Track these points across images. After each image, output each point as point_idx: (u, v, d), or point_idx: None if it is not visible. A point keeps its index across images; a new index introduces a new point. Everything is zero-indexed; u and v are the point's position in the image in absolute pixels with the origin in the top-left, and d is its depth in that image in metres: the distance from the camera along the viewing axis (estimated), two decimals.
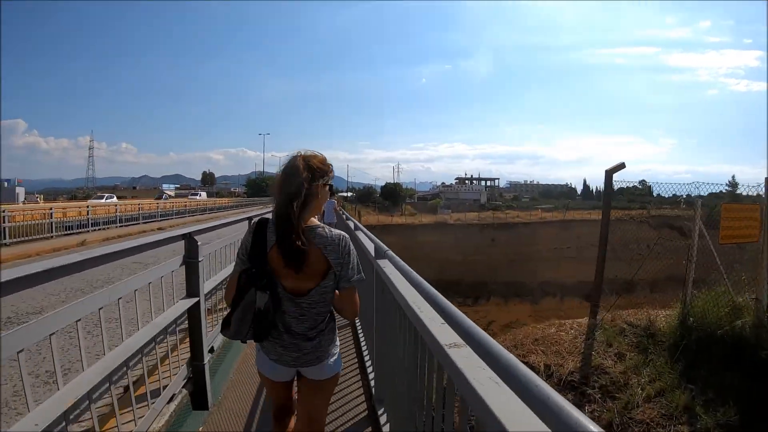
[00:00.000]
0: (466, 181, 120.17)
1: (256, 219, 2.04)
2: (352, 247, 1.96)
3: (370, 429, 3.16)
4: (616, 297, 7.40)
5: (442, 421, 1.52)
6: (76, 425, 2.43)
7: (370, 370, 3.88)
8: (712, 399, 5.68)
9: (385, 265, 2.64)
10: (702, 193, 7.71)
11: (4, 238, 13.99)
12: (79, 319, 1.95)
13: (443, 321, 1.51)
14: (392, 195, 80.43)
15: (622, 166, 7.51)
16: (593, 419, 0.95)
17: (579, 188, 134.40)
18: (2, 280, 1.58)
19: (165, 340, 3.09)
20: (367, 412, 3.39)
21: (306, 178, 1.86)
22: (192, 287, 3.36)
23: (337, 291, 1.99)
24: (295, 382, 2.18)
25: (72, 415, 1.90)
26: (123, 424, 2.41)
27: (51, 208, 17.17)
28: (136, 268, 3.27)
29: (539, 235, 44.56)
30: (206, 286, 3.82)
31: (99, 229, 19.51)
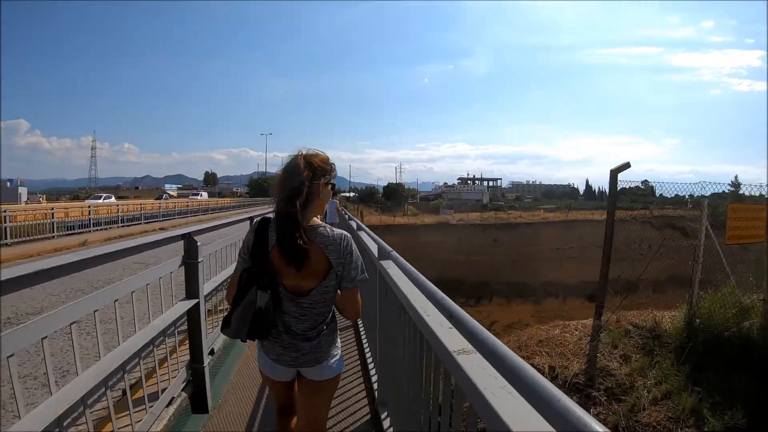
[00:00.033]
0: (469, 182, 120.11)
1: (258, 218, 2.00)
2: (354, 247, 1.93)
3: None
4: (622, 298, 7.32)
5: (449, 426, 1.46)
6: (72, 429, 2.37)
7: (372, 372, 3.82)
8: (720, 402, 5.59)
9: (389, 266, 2.58)
10: (705, 194, 7.66)
11: (6, 238, 13.98)
12: (74, 322, 1.89)
13: (451, 325, 1.45)
14: (394, 195, 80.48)
15: (627, 165, 7.43)
16: (598, 422, 0.88)
17: (581, 188, 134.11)
18: (2, 279, 1.55)
19: (164, 343, 3.02)
20: (369, 415, 3.34)
21: (307, 176, 1.84)
22: (191, 288, 3.30)
23: (339, 291, 1.96)
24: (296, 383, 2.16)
25: (66, 420, 1.83)
26: (120, 428, 2.36)
27: (53, 208, 17.16)
28: (138, 269, 3.22)
29: (542, 235, 44.57)
30: (206, 287, 3.76)
31: (101, 230, 19.51)
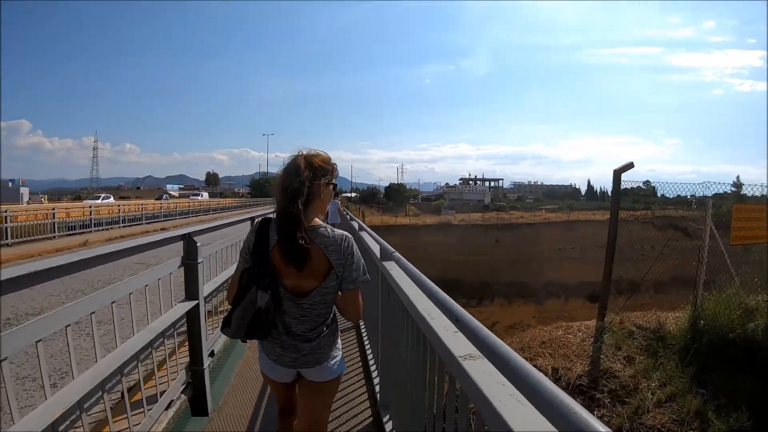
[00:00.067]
0: (470, 182, 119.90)
1: (259, 218, 1.98)
2: (355, 248, 1.92)
3: None
4: (626, 299, 7.28)
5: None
6: None
7: (375, 374, 3.77)
8: (725, 404, 5.56)
9: (392, 268, 2.53)
10: (707, 194, 7.65)
11: (6, 239, 13.97)
12: (70, 325, 1.85)
13: (456, 329, 1.41)
14: (396, 195, 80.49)
15: (630, 165, 7.39)
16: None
17: (583, 189, 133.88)
18: (2, 279, 1.53)
19: (163, 345, 2.98)
20: (372, 418, 3.29)
21: (307, 177, 1.82)
22: (191, 290, 3.26)
23: (340, 292, 1.95)
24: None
25: (62, 425, 1.79)
26: None
27: (54, 209, 17.15)
28: (139, 269, 3.18)
29: (543, 235, 44.57)
30: (206, 288, 3.72)
31: (102, 230, 19.50)
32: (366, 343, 4.56)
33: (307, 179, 1.82)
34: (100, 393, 2.08)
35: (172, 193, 75.27)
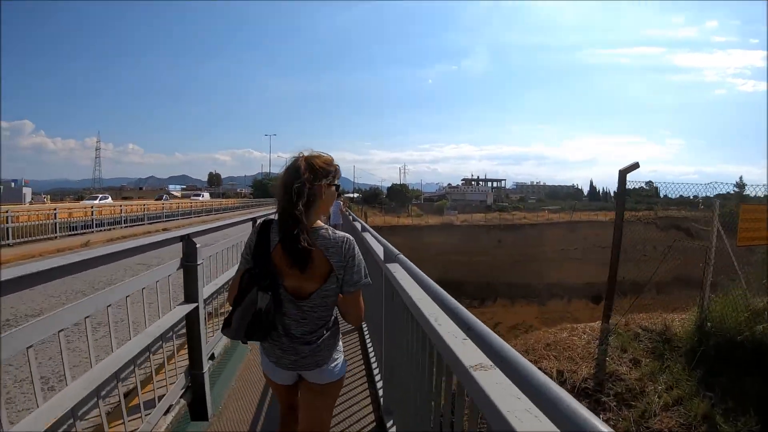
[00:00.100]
0: (473, 182, 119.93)
1: (261, 219, 1.96)
2: (357, 250, 1.91)
3: None
4: (633, 300, 7.21)
5: None
6: None
7: (378, 378, 3.70)
8: (733, 407, 5.49)
9: (396, 270, 2.47)
10: (709, 194, 7.60)
11: (8, 239, 13.94)
12: (62, 330, 1.78)
13: (465, 336, 1.34)
14: (398, 196, 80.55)
15: (636, 165, 7.32)
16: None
17: (586, 189, 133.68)
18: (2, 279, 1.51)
19: (161, 348, 2.92)
20: (375, 423, 3.23)
21: (308, 178, 1.82)
22: (190, 292, 3.19)
23: (341, 295, 1.94)
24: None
25: None
26: None
27: (55, 209, 17.13)
28: (140, 269, 3.12)
29: (546, 236, 44.49)
30: (206, 290, 3.65)
31: (104, 230, 19.47)
32: (369, 345, 4.49)
33: (307, 180, 1.81)
34: (95, 399, 2.02)
35: (175, 193, 75.38)
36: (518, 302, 38.90)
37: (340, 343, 2.07)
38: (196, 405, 3.25)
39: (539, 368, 1.40)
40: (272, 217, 1.97)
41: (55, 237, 16.03)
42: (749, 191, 8.29)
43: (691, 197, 8.17)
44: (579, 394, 5.79)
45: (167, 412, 2.86)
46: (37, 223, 15.81)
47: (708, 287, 6.74)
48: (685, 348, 6.38)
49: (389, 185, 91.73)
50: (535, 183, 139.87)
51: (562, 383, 5.94)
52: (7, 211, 14.23)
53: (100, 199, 35.10)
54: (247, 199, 67.49)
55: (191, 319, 3.21)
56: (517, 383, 1.03)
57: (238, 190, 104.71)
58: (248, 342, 1.96)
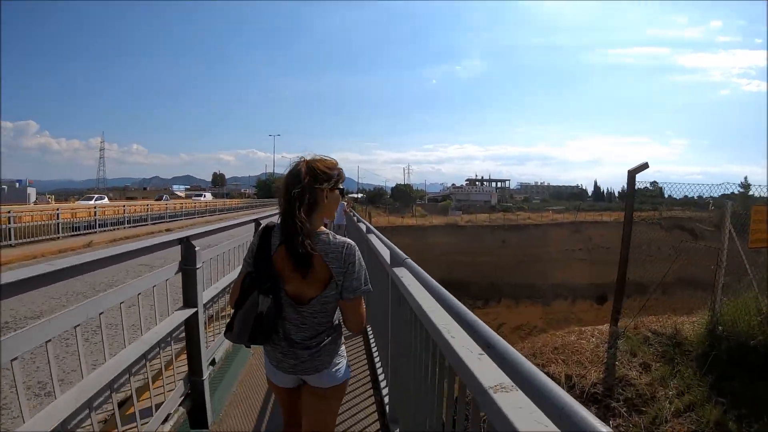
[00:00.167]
0: (477, 183, 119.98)
1: (263, 221, 1.90)
2: (358, 255, 1.89)
3: None
4: (641, 303, 7.08)
5: None
6: None
7: (383, 384, 3.60)
8: (746, 414, 5.34)
9: (403, 275, 2.37)
10: (714, 195, 7.50)
11: (10, 239, 13.92)
12: (49, 340, 1.69)
13: (482, 351, 1.23)
14: (402, 196, 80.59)
15: (645, 166, 7.22)
16: None
17: (590, 189, 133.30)
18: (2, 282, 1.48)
19: (159, 355, 2.82)
20: (380, 431, 3.13)
21: (308, 182, 1.81)
22: (189, 297, 3.09)
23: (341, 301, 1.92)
24: None
25: None
26: None
27: (58, 209, 17.09)
28: (142, 270, 3.03)
29: (550, 236, 44.35)
30: (206, 294, 3.55)
31: (107, 230, 19.43)
32: (374, 350, 4.36)
33: (308, 185, 1.81)
34: (87, 411, 1.93)
35: (179, 193, 75.54)
36: (522, 303, 38.77)
37: (343, 347, 2.05)
38: (196, 412, 3.16)
39: (547, 373, 1.30)
40: (275, 220, 1.95)
41: (58, 237, 15.99)
42: (754, 191, 8.17)
43: (695, 197, 8.07)
44: (588, 399, 5.67)
45: (166, 420, 2.77)
46: (40, 223, 15.79)
47: (719, 290, 6.59)
48: (697, 352, 6.24)
49: (393, 185, 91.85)
50: (539, 183, 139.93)
51: (570, 388, 5.83)
52: (9, 212, 14.19)
53: (95, 200, 34.71)
54: (251, 199, 67.54)
55: (190, 324, 3.11)
56: (541, 407, 0.92)
57: (242, 191, 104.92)
58: (251, 346, 1.94)
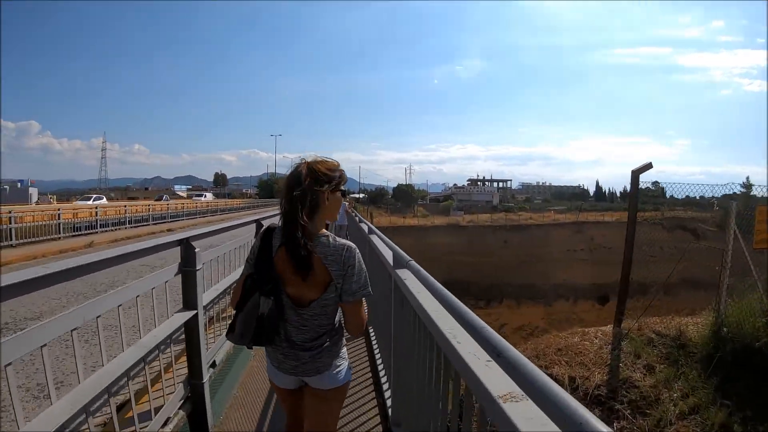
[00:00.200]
0: (479, 183, 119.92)
1: (265, 222, 1.88)
2: (358, 258, 1.89)
3: None
4: (645, 304, 7.03)
5: None
6: None
7: (386, 387, 3.56)
8: (751, 416, 5.30)
9: (407, 277, 2.32)
10: (716, 195, 7.49)
11: (10, 240, 13.90)
12: (44, 345, 1.65)
13: (489, 357, 1.19)
14: (404, 196, 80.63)
15: (649, 166, 7.19)
16: None
17: (591, 190, 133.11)
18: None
19: (158, 357, 2.78)
20: None
21: (309, 184, 1.81)
22: (189, 298, 3.05)
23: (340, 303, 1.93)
24: None
25: None
26: None
27: (59, 209, 17.08)
28: (143, 271, 3.00)
29: (552, 236, 44.41)
30: (206, 296, 3.51)
31: (108, 230, 19.41)
32: (376, 352, 4.32)
33: (308, 187, 1.80)
34: (84, 416, 1.89)
35: (180, 193, 75.60)
36: (524, 303, 38.79)
37: (344, 348, 2.05)
38: (196, 416, 3.12)
39: (550, 375, 1.26)
40: (277, 223, 1.95)
41: (59, 238, 15.98)
42: (756, 191, 8.13)
43: (697, 198, 8.04)
44: (592, 401, 5.63)
45: (165, 424, 2.73)
46: (41, 223, 15.77)
47: (724, 291, 6.55)
48: (701, 354, 6.19)
49: (395, 185, 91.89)
50: (540, 183, 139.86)
51: (574, 390, 5.79)
52: (9, 212, 14.18)
53: (93, 200, 34.54)
54: (253, 199, 67.55)
55: (190, 327, 3.06)
56: (553, 417, 0.88)
57: (244, 191, 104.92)
58: (253, 348, 1.95)
